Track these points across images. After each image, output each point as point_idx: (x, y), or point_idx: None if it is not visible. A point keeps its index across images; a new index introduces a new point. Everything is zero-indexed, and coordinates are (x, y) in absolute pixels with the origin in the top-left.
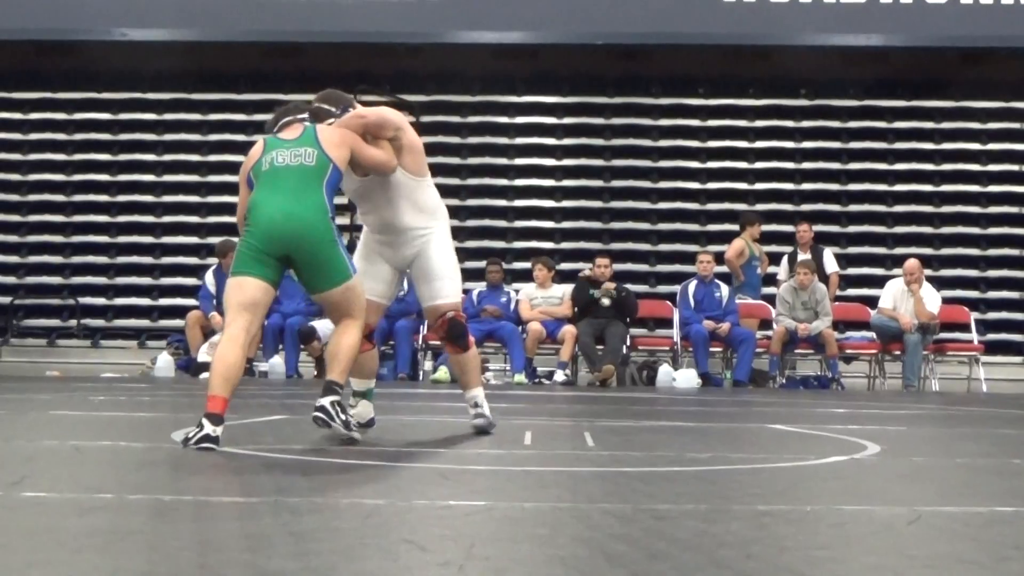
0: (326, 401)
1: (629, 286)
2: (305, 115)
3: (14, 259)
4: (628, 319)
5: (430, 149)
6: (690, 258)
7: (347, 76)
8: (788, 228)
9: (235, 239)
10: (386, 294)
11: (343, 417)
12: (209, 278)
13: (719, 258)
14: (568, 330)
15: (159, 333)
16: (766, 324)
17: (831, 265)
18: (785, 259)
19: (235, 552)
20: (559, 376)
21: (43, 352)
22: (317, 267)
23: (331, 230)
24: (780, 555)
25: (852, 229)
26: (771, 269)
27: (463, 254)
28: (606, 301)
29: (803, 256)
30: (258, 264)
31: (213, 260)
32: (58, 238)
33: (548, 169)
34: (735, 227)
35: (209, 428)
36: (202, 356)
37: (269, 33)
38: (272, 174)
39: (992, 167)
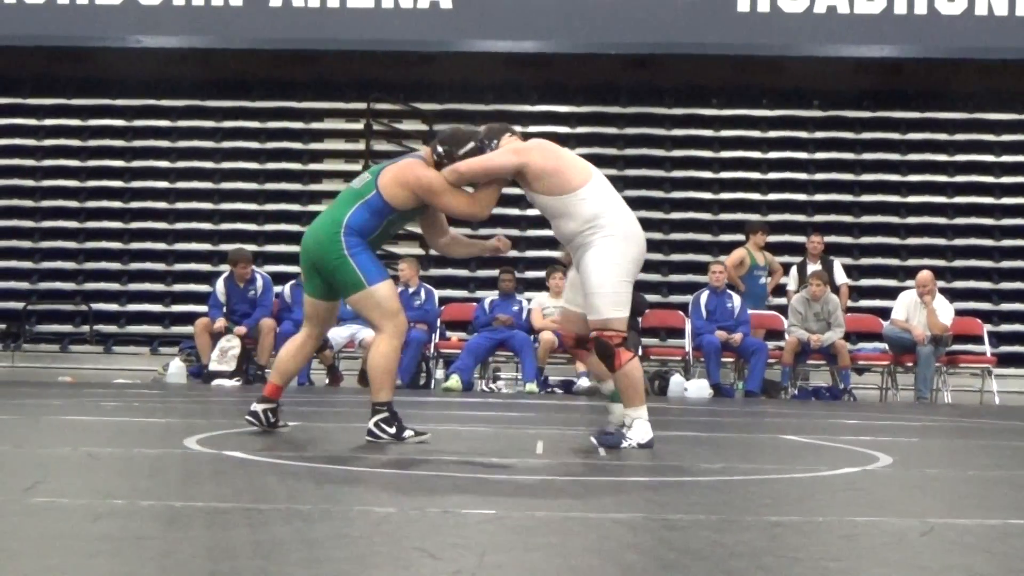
0: (370, 423)
1: (643, 296)
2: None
3: (27, 265)
4: (638, 319)
5: None
6: (702, 268)
7: (361, 84)
8: (800, 239)
9: (247, 247)
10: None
11: (390, 431)
12: (219, 287)
13: None
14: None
15: (171, 339)
16: (772, 335)
17: (840, 277)
18: (794, 269)
19: (246, 559)
20: (583, 383)
21: (56, 358)
22: (333, 278)
23: (339, 244)
24: (792, 566)
25: (865, 240)
26: (781, 280)
27: (474, 263)
28: None
29: (813, 267)
30: (307, 280)
31: (226, 267)
32: (71, 244)
33: None
34: None
35: (255, 404)
36: (213, 365)
37: (283, 41)
38: None
39: (1005, 179)
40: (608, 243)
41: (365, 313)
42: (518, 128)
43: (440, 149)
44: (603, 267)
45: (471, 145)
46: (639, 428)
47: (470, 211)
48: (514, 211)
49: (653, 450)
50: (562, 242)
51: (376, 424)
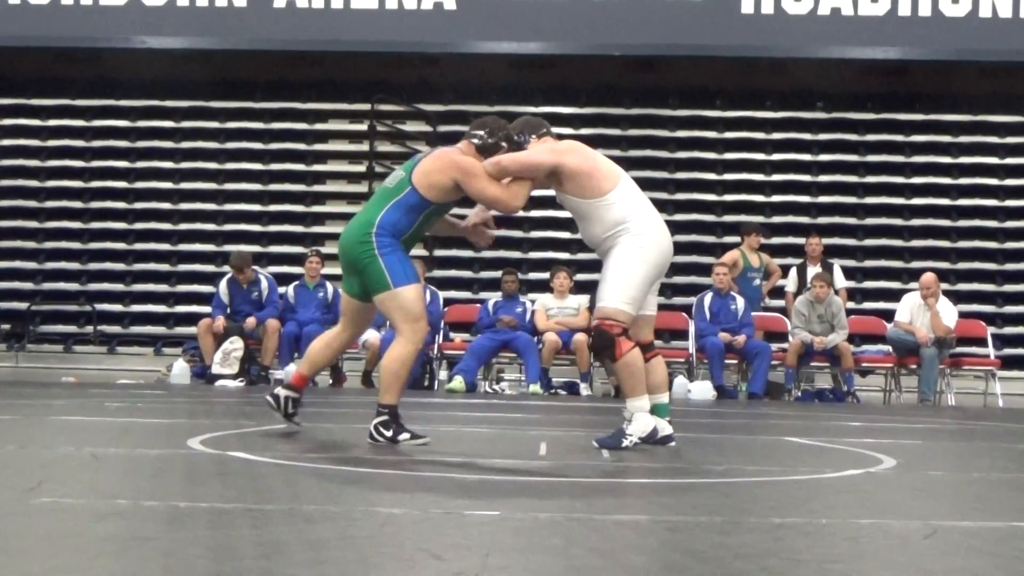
0: (371, 425)
1: None
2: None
3: (31, 265)
4: None
5: None
6: (706, 270)
7: (365, 85)
8: (804, 241)
9: (250, 249)
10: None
11: (387, 434)
12: (223, 288)
13: None
14: (579, 339)
15: (175, 340)
16: (772, 336)
17: (840, 280)
18: (793, 272)
19: (250, 559)
20: (584, 391)
21: (59, 358)
22: (362, 276)
23: (370, 244)
24: (795, 568)
25: (869, 242)
26: (780, 282)
27: (477, 264)
28: None
29: (812, 269)
30: (345, 279)
31: (228, 268)
32: (75, 245)
33: None
34: None
35: (279, 388)
36: (216, 367)
37: (287, 42)
38: None
39: (1010, 181)
40: (633, 244)
41: (388, 314)
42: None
43: (482, 132)
44: (623, 265)
45: (505, 134)
46: (640, 421)
47: (506, 199)
48: (518, 212)
49: (656, 451)
50: (589, 245)
51: (375, 426)
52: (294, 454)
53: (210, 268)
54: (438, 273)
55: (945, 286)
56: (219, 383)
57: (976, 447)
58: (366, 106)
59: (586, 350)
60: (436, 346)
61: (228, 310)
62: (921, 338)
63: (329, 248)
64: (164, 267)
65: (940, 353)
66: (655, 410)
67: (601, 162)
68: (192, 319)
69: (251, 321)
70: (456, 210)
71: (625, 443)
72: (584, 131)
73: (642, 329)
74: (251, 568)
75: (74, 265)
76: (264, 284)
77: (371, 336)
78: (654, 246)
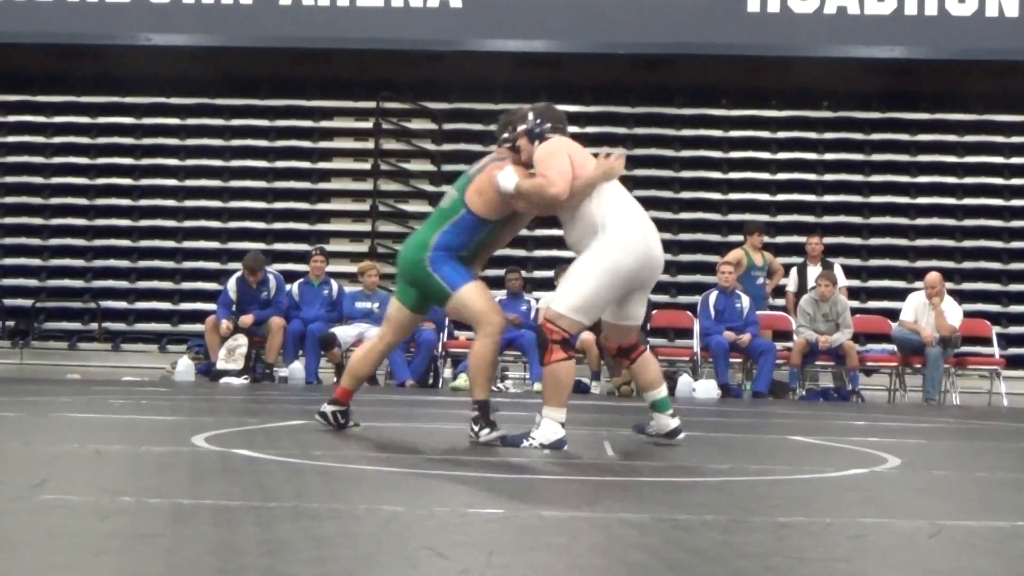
0: (471, 419)
1: (650, 296)
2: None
3: (36, 262)
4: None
5: (452, 157)
6: (711, 268)
7: (370, 83)
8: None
9: (258, 246)
10: (616, 315)
11: (475, 428)
12: (231, 286)
13: None
14: (587, 339)
15: (180, 337)
16: (777, 335)
17: (840, 279)
18: (794, 271)
19: (254, 557)
20: (595, 388)
21: (64, 355)
22: (425, 290)
23: (423, 260)
24: (800, 567)
25: (874, 241)
26: (781, 281)
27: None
28: None
29: (813, 269)
30: (401, 288)
31: (234, 265)
32: (80, 242)
33: None
34: None
35: (325, 406)
36: (220, 364)
37: (293, 39)
38: None
39: (1015, 181)
40: (600, 250)
41: (461, 316)
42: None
43: (505, 135)
44: (582, 271)
45: (525, 128)
46: (546, 428)
47: (542, 185)
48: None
49: (660, 449)
50: (570, 247)
51: (471, 420)
52: (298, 452)
53: (215, 265)
54: None
55: (950, 285)
56: (223, 380)
57: (981, 446)
58: (371, 104)
59: (595, 348)
60: (441, 344)
61: (234, 308)
62: (926, 337)
63: (334, 246)
64: (169, 264)
65: (945, 352)
66: (655, 406)
67: (589, 163)
68: (197, 316)
69: (246, 319)
70: None
71: (524, 443)
72: (590, 129)
73: (626, 335)
74: (255, 565)
75: (79, 262)
76: (273, 283)
77: (374, 332)
78: (624, 255)
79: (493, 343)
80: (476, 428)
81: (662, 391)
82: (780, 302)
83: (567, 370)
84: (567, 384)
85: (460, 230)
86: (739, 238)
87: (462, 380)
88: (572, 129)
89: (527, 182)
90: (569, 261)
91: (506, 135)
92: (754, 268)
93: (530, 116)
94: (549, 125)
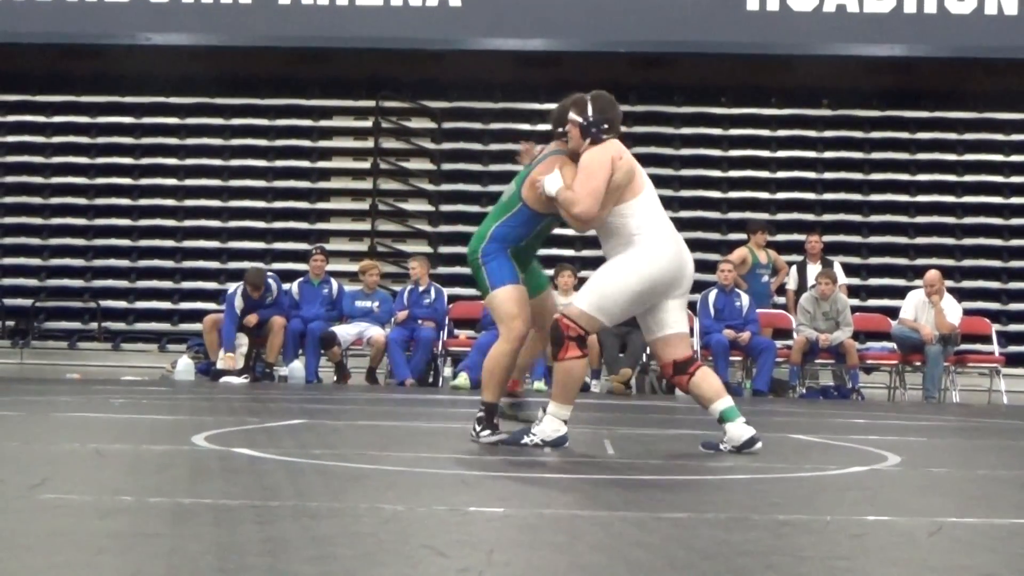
0: (475, 419)
1: None
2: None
3: (36, 262)
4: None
5: (452, 156)
6: (711, 267)
7: (369, 82)
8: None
9: (252, 246)
10: (655, 326)
11: (477, 428)
12: (237, 300)
13: None
14: (591, 337)
15: (179, 337)
16: (778, 334)
17: (840, 277)
18: (794, 270)
19: (254, 556)
20: (595, 387)
21: (64, 355)
22: (477, 282)
23: (478, 252)
24: (800, 565)
25: (873, 239)
26: (775, 278)
27: None
28: None
29: (812, 267)
30: None
31: (234, 264)
32: (80, 241)
33: None
34: None
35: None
36: (221, 363)
37: (292, 38)
38: None
39: (1015, 179)
40: (634, 255)
41: (492, 314)
42: (527, 127)
43: (575, 114)
44: (610, 273)
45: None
46: (548, 424)
47: (564, 206)
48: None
49: (659, 448)
50: (606, 257)
51: (475, 420)
52: (298, 451)
53: (215, 265)
54: (443, 270)
55: (950, 283)
56: (223, 379)
57: (980, 444)
58: (371, 103)
59: (596, 346)
60: (441, 343)
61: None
62: (926, 335)
63: (333, 245)
64: (169, 264)
65: (945, 350)
66: (723, 417)
67: (638, 171)
68: (197, 316)
69: (250, 318)
70: None
71: (525, 440)
72: None
73: (675, 348)
74: (255, 564)
75: (79, 262)
76: (274, 288)
77: (376, 333)
78: (654, 265)
79: (511, 350)
80: (478, 428)
81: (726, 401)
82: (782, 300)
83: (580, 368)
84: (577, 382)
85: (517, 223)
86: (739, 236)
87: (462, 379)
88: None
89: (562, 193)
90: (569, 261)
91: (560, 129)
92: (758, 266)
93: (590, 110)
94: (606, 126)
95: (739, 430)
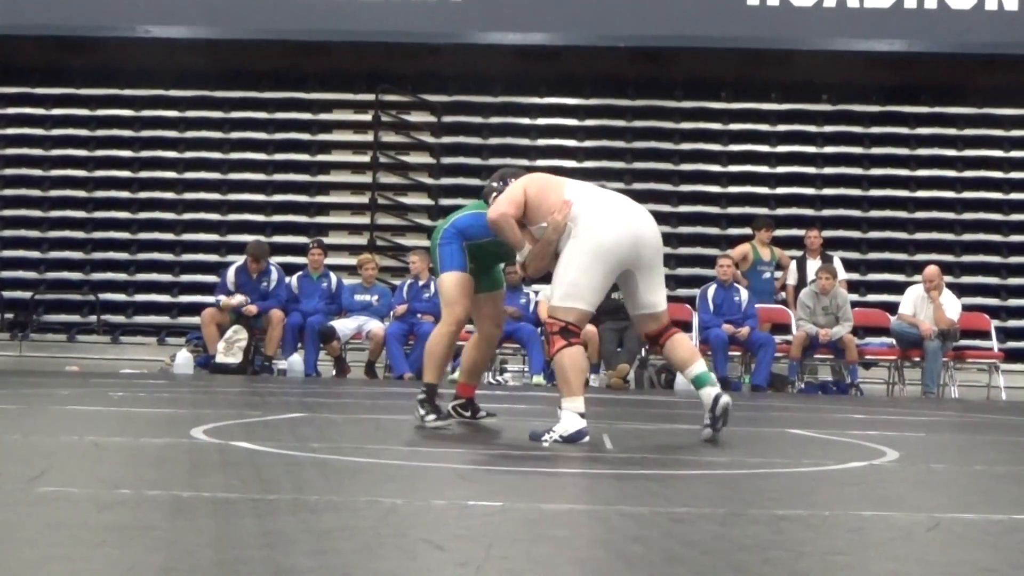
0: (416, 402)
1: None
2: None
3: (35, 254)
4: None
5: (450, 150)
6: (710, 262)
7: (369, 76)
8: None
9: (263, 239)
10: (633, 305)
11: (420, 412)
12: (230, 275)
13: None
14: (589, 331)
15: (179, 330)
16: (777, 328)
17: (840, 272)
18: (793, 265)
19: (253, 549)
20: (593, 382)
21: (63, 347)
22: (432, 262)
23: (438, 234)
24: (798, 560)
25: (873, 235)
26: (780, 274)
27: None
28: None
29: (812, 262)
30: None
31: (233, 257)
32: (79, 234)
33: (569, 171)
34: None
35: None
36: (219, 357)
37: (292, 32)
38: None
39: (1014, 174)
40: (577, 235)
41: (440, 297)
42: (526, 120)
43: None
44: (567, 258)
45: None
46: (566, 420)
47: (489, 216)
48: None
49: (658, 441)
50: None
51: (416, 403)
52: (297, 444)
53: (214, 258)
54: None
55: (949, 279)
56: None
57: (979, 440)
58: (371, 96)
59: (595, 340)
60: None
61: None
62: (925, 331)
63: (332, 239)
64: (168, 257)
65: (943, 346)
66: (696, 381)
67: (550, 184)
68: (196, 309)
69: (251, 308)
70: None
71: (545, 437)
72: (589, 122)
73: (649, 324)
74: (254, 558)
75: (78, 254)
76: (274, 275)
77: (375, 327)
78: (601, 232)
79: (449, 333)
80: (422, 412)
81: (699, 366)
82: (783, 295)
83: (571, 356)
84: (575, 370)
85: (478, 221)
86: (739, 231)
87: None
88: (571, 122)
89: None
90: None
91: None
92: (760, 263)
93: (494, 184)
94: (509, 180)
95: (707, 392)
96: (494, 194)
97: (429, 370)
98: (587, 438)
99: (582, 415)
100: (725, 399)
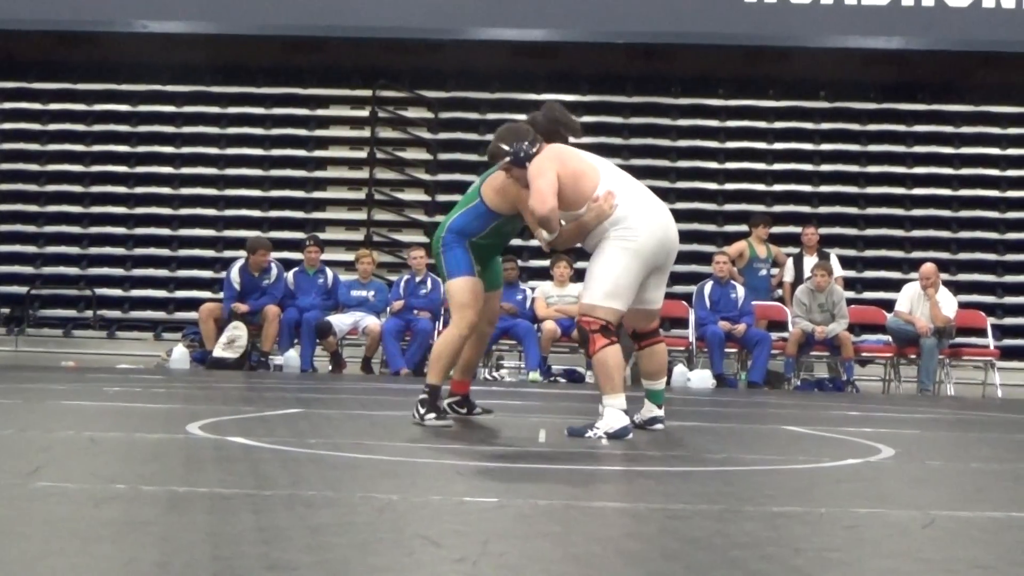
0: (417, 401)
1: None
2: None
3: (31, 249)
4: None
5: (448, 146)
6: (706, 259)
7: (367, 71)
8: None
9: (263, 235)
10: (642, 299)
11: (420, 411)
12: (234, 276)
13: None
14: None
15: (175, 325)
16: (773, 326)
17: (837, 269)
18: (790, 262)
19: (249, 545)
20: (589, 378)
21: (59, 342)
22: (438, 269)
23: (439, 241)
24: (794, 556)
25: (869, 232)
26: (776, 271)
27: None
28: None
29: (809, 259)
30: None
31: (230, 252)
32: (75, 229)
33: None
34: None
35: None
36: (218, 351)
37: (289, 27)
38: None
39: (1011, 172)
40: (624, 234)
41: (448, 303)
42: (523, 117)
43: (508, 148)
44: (604, 259)
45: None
46: (609, 416)
47: (530, 205)
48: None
49: (655, 438)
50: (588, 250)
51: (416, 403)
52: (293, 440)
53: (210, 253)
54: None
55: (945, 276)
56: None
57: (975, 437)
58: (368, 92)
59: None
60: (436, 333)
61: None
62: (921, 328)
63: (329, 234)
64: (164, 252)
65: (940, 343)
66: (650, 395)
67: (582, 168)
68: (192, 304)
69: (240, 306)
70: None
71: (588, 434)
72: (586, 118)
73: (641, 320)
74: (250, 553)
75: (74, 249)
76: (274, 271)
77: (371, 323)
78: (645, 236)
79: (460, 337)
80: (422, 411)
81: (661, 383)
82: (780, 292)
83: (613, 355)
84: (616, 369)
85: (472, 216)
86: (735, 228)
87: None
88: None
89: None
90: (564, 252)
91: (505, 149)
92: (756, 260)
93: (503, 148)
94: (527, 143)
95: (650, 409)
96: (509, 157)
97: (434, 372)
98: (631, 435)
99: (625, 411)
100: (660, 426)
